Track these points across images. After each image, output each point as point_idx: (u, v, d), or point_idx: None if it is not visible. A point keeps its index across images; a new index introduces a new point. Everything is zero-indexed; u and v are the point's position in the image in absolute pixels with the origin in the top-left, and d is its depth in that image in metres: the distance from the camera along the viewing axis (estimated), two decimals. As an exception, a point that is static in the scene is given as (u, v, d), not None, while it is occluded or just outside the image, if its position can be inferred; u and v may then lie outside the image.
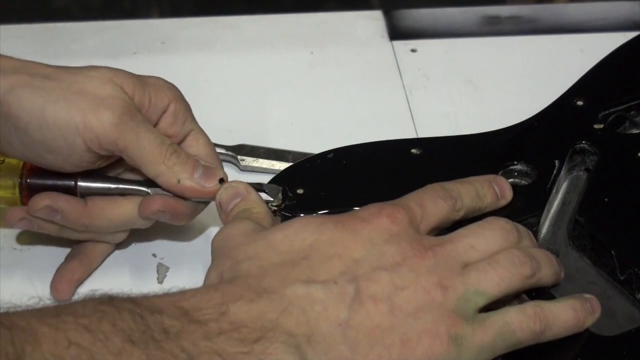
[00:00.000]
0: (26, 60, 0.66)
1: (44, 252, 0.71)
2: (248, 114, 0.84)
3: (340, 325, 0.55)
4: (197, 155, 0.68)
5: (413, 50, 0.92)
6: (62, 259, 0.70)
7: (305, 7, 1.01)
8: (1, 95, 0.63)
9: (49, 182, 0.67)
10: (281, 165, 0.77)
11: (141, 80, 0.67)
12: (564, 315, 0.59)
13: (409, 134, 0.83)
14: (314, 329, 0.55)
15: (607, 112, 0.77)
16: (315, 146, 0.76)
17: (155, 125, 0.67)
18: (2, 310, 0.51)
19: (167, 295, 0.55)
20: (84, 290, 0.69)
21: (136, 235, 0.71)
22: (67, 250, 0.71)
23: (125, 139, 0.64)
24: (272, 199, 0.68)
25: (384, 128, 0.84)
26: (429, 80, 0.89)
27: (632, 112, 0.78)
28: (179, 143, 0.68)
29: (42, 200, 0.66)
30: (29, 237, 0.72)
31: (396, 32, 0.94)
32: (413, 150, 0.73)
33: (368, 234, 0.58)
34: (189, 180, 0.66)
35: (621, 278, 0.66)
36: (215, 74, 0.88)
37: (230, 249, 0.59)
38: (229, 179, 0.67)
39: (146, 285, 0.69)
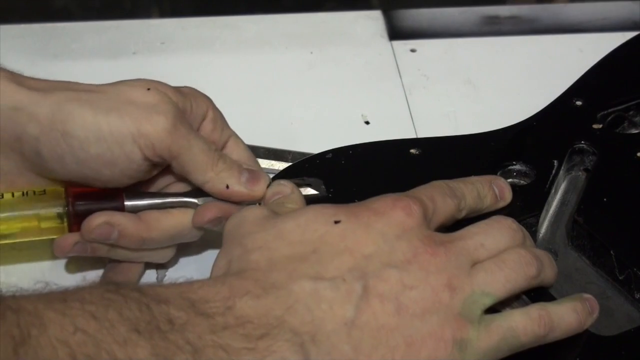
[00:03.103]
0: (59, 80, 0.65)
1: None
2: (247, 114, 0.84)
3: (346, 324, 0.55)
4: (240, 159, 0.68)
5: (412, 50, 0.92)
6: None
7: (305, 7, 1.01)
8: (51, 114, 0.63)
9: (96, 205, 0.65)
10: (280, 165, 0.77)
11: (178, 89, 0.67)
12: (568, 318, 0.59)
13: (408, 134, 0.83)
14: (318, 327, 0.55)
15: (606, 112, 0.77)
16: (315, 146, 0.76)
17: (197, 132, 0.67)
18: (9, 294, 0.51)
19: (174, 285, 0.55)
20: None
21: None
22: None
23: (178, 145, 0.64)
24: (317, 192, 0.68)
25: (384, 128, 0.84)
26: (428, 80, 0.89)
27: (631, 112, 0.78)
28: (221, 149, 0.68)
29: (98, 218, 0.64)
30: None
31: (396, 32, 0.94)
32: (412, 150, 0.73)
33: (381, 228, 0.58)
34: (237, 185, 0.66)
35: (620, 278, 0.66)
36: (215, 74, 0.89)
37: (242, 236, 0.59)
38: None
39: (145, 285, 0.69)
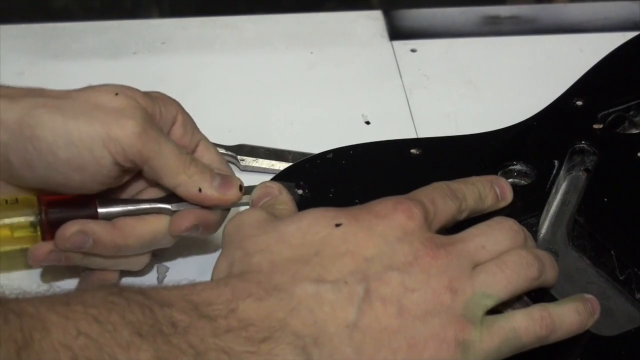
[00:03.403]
0: (29, 87, 0.65)
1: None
2: (248, 114, 0.84)
3: (348, 327, 0.55)
4: (211, 163, 0.68)
5: (413, 50, 0.92)
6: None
7: (305, 7, 1.01)
8: (20, 119, 0.62)
9: (69, 213, 0.64)
10: (281, 165, 0.78)
11: (147, 94, 0.67)
12: (569, 319, 0.59)
13: (408, 134, 0.83)
14: (321, 330, 0.54)
15: (606, 112, 0.77)
16: (315, 146, 0.76)
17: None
18: (11, 297, 0.51)
19: (177, 288, 0.55)
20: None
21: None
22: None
23: (149, 149, 0.64)
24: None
25: (384, 128, 0.84)
26: (428, 80, 0.89)
27: (632, 112, 0.78)
28: (191, 154, 0.68)
29: (72, 227, 0.64)
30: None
31: (396, 32, 0.94)
32: (412, 151, 0.73)
33: (382, 231, 0.58)
34: (209, 188, 0.65)
35: (620, 278, 0.66)
36: (215, 74, 0.88)
37: (242, 238, 0.59)
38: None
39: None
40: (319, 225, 0.58)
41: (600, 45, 0.86)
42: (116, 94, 0.65)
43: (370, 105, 0.86)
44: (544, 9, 1.01)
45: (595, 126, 0.76)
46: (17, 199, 0.65)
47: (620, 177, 0.72)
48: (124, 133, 0.63)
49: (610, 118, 0.77)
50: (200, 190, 0.65)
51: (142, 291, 0.53)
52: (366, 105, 0.86)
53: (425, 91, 0.88)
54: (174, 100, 0.68)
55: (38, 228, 0.64)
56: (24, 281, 0.62)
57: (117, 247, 0.65)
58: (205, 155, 0.68)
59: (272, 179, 0.70)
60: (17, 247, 0.65)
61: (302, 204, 0.68)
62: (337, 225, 0.58)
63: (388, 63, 0.91)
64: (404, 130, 0.83)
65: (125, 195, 0.67)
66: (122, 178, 0.66)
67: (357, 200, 0.64)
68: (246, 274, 0.56)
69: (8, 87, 0.65)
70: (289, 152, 0.79)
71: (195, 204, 0.66)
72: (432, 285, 0.57)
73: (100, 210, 0.65)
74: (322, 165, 0.72)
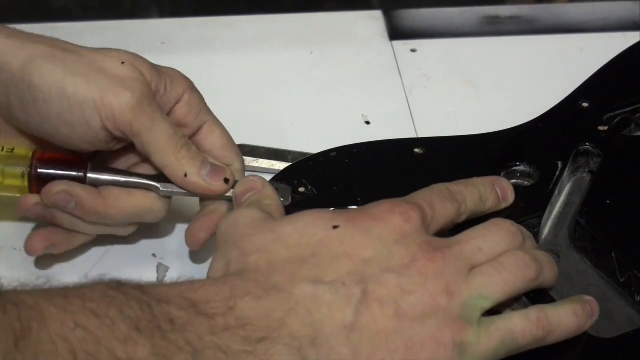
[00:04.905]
0: (46, 36, 0.66)
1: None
2: (248, 114, 0.84)
3: (345, 328, 0.55)
4: (213, 147, 0.68)
5: (413, 50, 0.92)
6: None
7: (305, 7, 1.01)
8: (23, 64, 0.64)
9: (59, 172, 0.66)
10: (281, 165, 0.77)
11: (157, 68, 0.67)
12: (567, 321, 0.59)
13: (408, 134, 0.83)
14: (318, 331, 0.54)
15: (612, 114, 0.76)
16: (315, 146, 0.76)
17: (169, 114, 0.68)
18: (10, 288, 0.51)
19: (175, 285, 0.55)
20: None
21: (136, 235, 0.71)
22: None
23: (140, 123, 0.64)
24: (282, 199, 0.67)
25: (384, 128, 0.84)
26: (428, 80, 0.89)
27: (638, 115, 0.78)
28: (194, 134, 0.69)
29: (58, 186, 0.65)
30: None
31: (396, 32, 0.94)
32: (416, 150, 0.73)
33: (379, 233, 0.58)
34: (195, 175, 0.66)
35: (621, 280, 0.66)
36: (215, 74, 0.88)
37: (238, 238, 0.59)
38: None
39: (146, 285, 0.69)
40: (316, 227, 0.58)
41: (600, 45, 0.86)
42: (122, 63, 0.66)
43: (370, 105, 0.86)
44: (544, 9, 1.01)
45: (601, 128, 0.76)
46: (13, 149, 0.67)
47: (624, 180, 0.72)
48: (117, 102, 0.64)
49: (616, 120, 0.77)
50: (185, 175, 0.66)
51: (140, 287, 0.53)
52: (366, 105, 0.86)
53: (425, 91, 0.88)
54: (184, 78, 0.69)
55: (26, 180, 0.66)
56: (23, 274, 0.62)
57: (98, 215, 0.66)
58: (208, 138, 0.69)
59: (275, 177, 0.70)
60: (8, 194, 0.67)
61: (305, 202, 0.68)
62: (335, 227, 0.58)
63: (388, 63, 0.91)
64: (404, 131, 0.83)
65: (120, 165, 0.68)
66: (113, 144, 0.66)
67: (359, 199, 0.64)
68: (244, 272, 0.56)
69: (24, 33, 0.66)
70: (289, 152, 0.79)
71: (182, 189, 0.66)
72: (429, 287, 0.56)
73: (89, 175, 0.66)
74: (325, 163, 0.72)
